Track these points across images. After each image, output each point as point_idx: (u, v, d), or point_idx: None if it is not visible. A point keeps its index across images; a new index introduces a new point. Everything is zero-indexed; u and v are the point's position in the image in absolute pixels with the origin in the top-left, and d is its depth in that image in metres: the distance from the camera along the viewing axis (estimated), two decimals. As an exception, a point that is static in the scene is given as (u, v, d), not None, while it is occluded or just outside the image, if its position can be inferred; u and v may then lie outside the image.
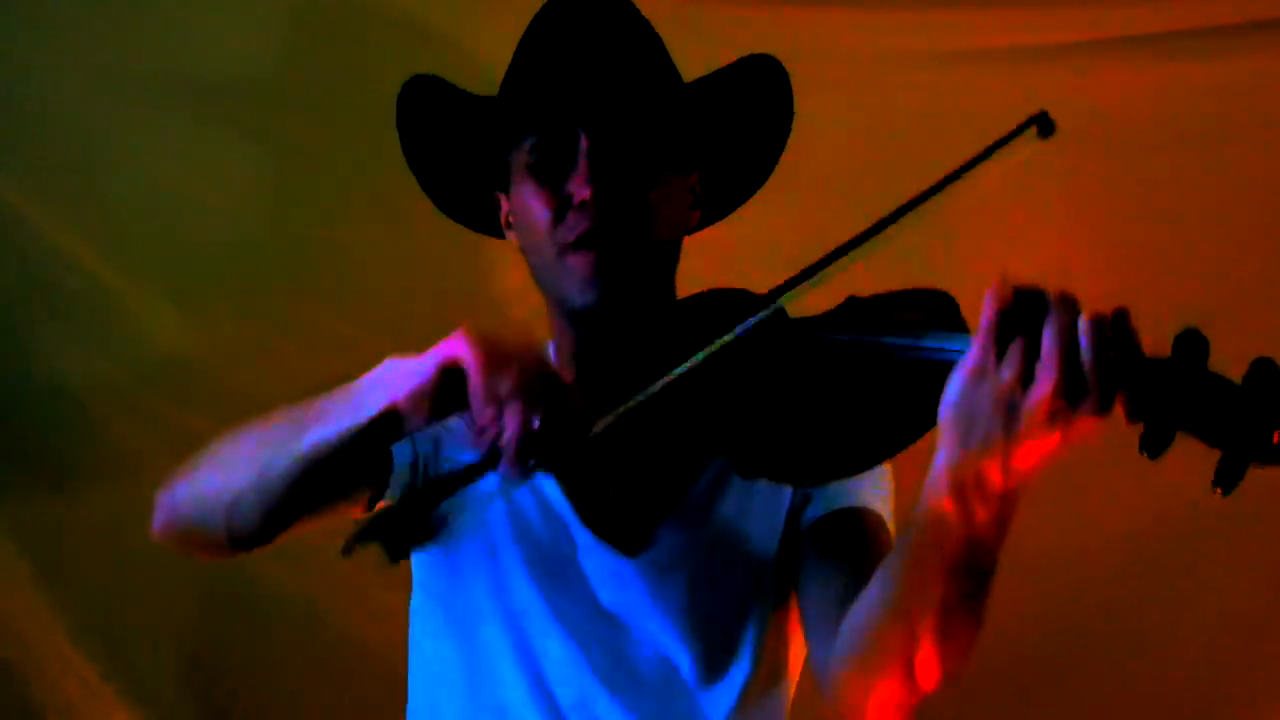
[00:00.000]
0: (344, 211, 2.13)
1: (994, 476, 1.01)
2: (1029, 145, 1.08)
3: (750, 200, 1.58)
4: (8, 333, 2.07)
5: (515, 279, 1.66)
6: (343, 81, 2.08)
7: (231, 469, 1.30)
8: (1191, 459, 2.16)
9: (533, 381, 1.14)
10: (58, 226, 2.05)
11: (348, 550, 1.15)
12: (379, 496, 1.44)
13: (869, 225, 1.10)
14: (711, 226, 1.56)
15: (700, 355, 1.13)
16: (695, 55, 1.53)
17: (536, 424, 1.13)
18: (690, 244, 1.47)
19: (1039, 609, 2.08)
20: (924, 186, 1.10)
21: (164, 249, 2.10)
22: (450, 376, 1.14)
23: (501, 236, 1.55)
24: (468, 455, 1.18)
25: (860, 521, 1.41)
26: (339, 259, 2.13)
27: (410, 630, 1.54)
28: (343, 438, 1.20)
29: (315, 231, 2.13)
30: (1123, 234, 2.07)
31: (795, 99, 1.52)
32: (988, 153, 1.07)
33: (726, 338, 1.13)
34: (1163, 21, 2.05)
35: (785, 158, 1.57)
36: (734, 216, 1.59)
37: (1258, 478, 1.94)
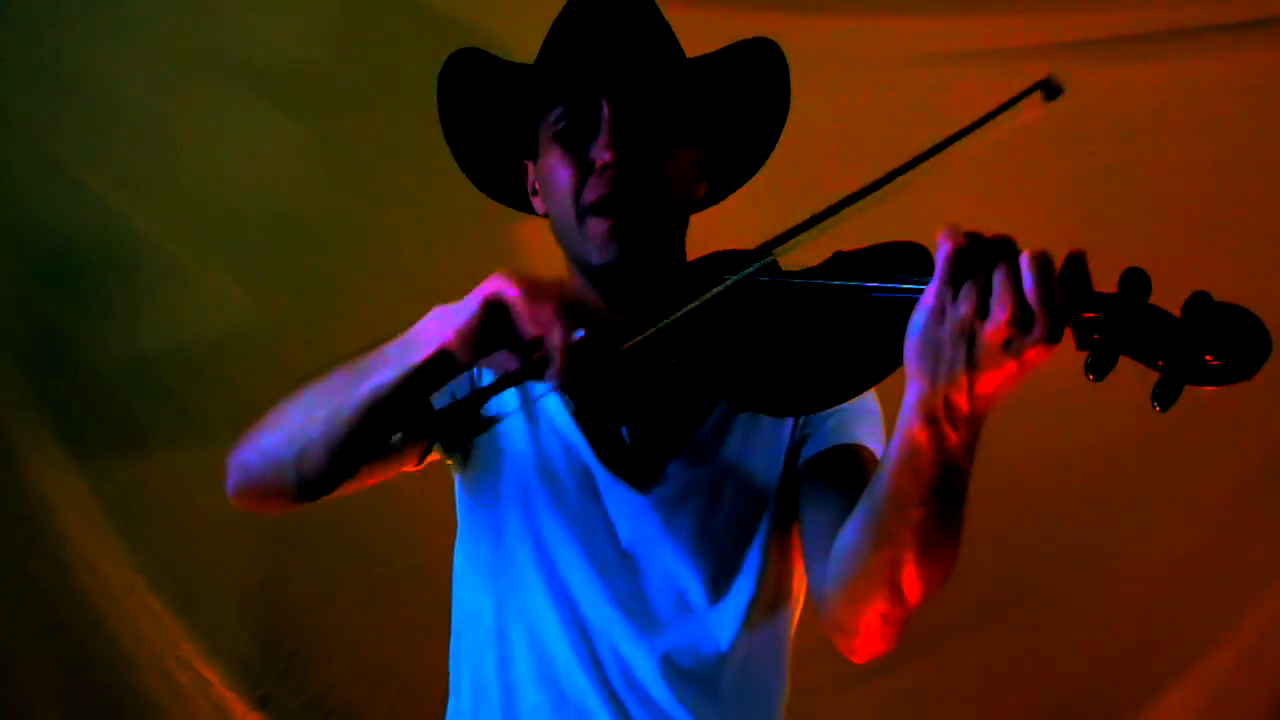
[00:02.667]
0: (389, 194, 2.18)
1: (960, 403, 1.07)
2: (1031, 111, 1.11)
3: (751, 199, 1.63)
4: (89, 306, 2.15)
5: (537, 253, 1.75)
6: (391, 75, 2.12)
7: (298, 423, 1.33)
8: (1146, 411, 2.28)
9: (569, 305, 1.19)
10: (133, 208, 2.14)
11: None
12: (430, 449, 1.52)
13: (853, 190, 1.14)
14: (718, 223, 1.60)
15: (705, 296, 1.20)
16: (696, 53, 1.60)
17: (580, 335, 1.19)
18: (696, 239, 1.51)
19: (1008, 535, 2.15)
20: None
21: (227, 229, 2.17)
22: (493, 311, 1.20)
23: (526, 209, 1.61)
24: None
25: (853, 457, 1.44)
26: (384, 237, 2.18)
27: (454, 565, 1.60)
28: (400, 380, 1.24)
29: (363, 213, 2.19)
30: (1081, 206, 2.13)
31: (793, 99, 1.58)
32: (998, 111, 1.11)
33: (728, 281, 1.20)
34: (1123, 28, 2.11)
35: (784, 156, 1.63)
36: (737, 212, 1.64)
37: (1204, 416, 1.97)
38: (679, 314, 1.22)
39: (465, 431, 1.34)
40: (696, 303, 1.21)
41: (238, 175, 2.15)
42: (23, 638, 2.13)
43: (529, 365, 1.20)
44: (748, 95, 1.57)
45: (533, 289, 1.19)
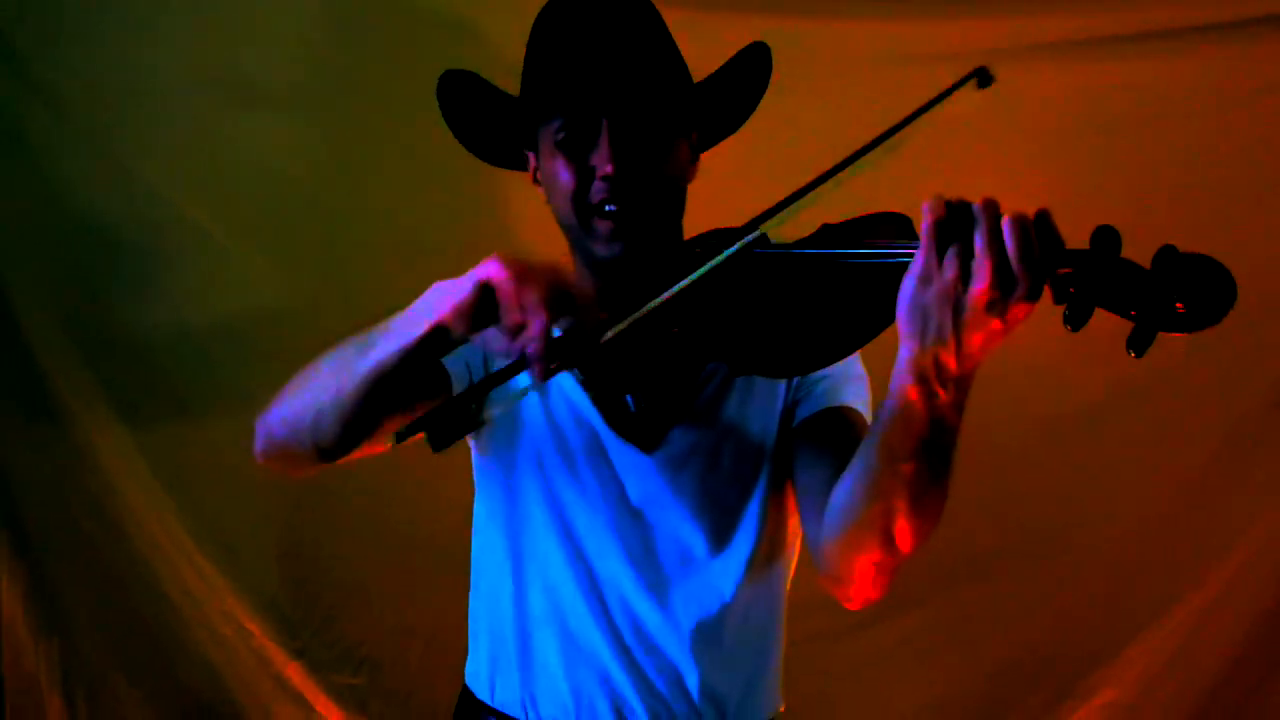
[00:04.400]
0: (409, 182, 2.22)
1: (949, 363, 1.09)
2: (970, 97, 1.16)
3: (746, 191, 1.56)
4: (136, 284, 2.21)
5: (541, 232, 1.74)
6: (410, 78, 2.04)
7: (312, 391, 1.34)
8: (1116, 385, 2.25)
9: (555, 294, 1.17)
10: (178, 196, 2.20)
11: (400, 439, 1.21)
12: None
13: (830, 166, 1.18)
14: (717, 208, 1.56)
15: (698, 272, 1.20)
16: (693, 57, 1.58)
17: (558, 331, 1.18)
18: (694, 222, 1.51)
19: (990, 499, 2.19)
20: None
21: (263, 215, 2.22)
22: (485, 292, 1.18)
23: (521, 167, 1.60)
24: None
25: (844, 418, 1.45)
26: (405, 222, 2.22)
27: (474, 526, 1.62)
28: (402, 352, 1.24)
29: (386, 200, 2.23)
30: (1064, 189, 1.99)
31: (786, 97, 1.59)
32: (938, 100, 1.15)
33: (721, 256, 1.21)
34: (1097, 30, 2.17)
35: (778, 150, 1.70)
36: (732, 202, 1.58)
37: (1169, 390, 2.13)
38: (663, 298, 1.22)
39: (456, 431, 1.25)
40: (679, 287, 1.21)
41: (272, 167, 2.20)
42: (83, 594, 2.21)
43: (512, 364, 1.20)
44: (734, 84, 1.59)
45: (522, 275, 1.18)
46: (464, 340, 1.24)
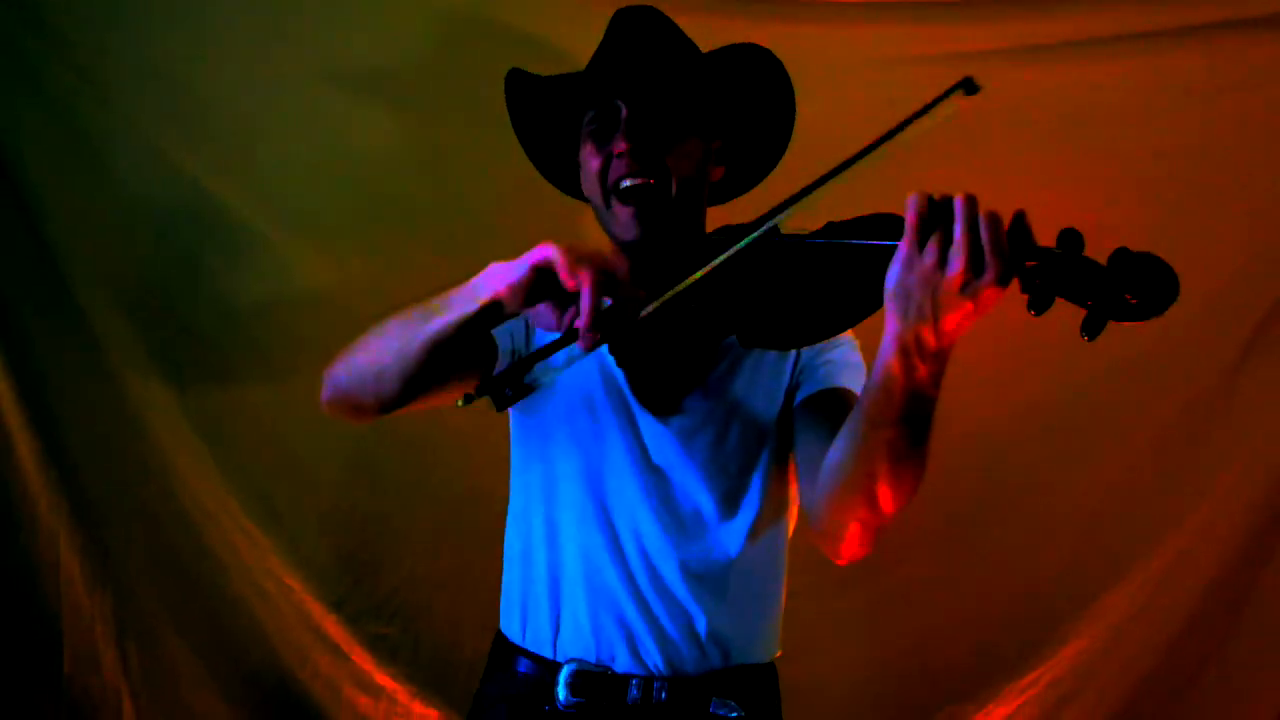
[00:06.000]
0: (445, 173, 2.27)
1: (928, 339, 1.15)
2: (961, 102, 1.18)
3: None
4: (187, 267, 2.26)
5: (585, 229, 1.82)
6: (452, 74, 2.20)
7: (378, 350, 1.42)
8: (1081, 367, 2.31)
9: (603, 273, 1.26)
10: (224, 186, 2.24)
11: (467, 401, 1.31)
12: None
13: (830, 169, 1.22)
14: (717, 207, 1.69)
15: (723, 256, 1.27)
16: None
17: (607, 303, 1.27)
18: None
19: (967, 467, 2.27)
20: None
21: (304, 202, 2.25)
22: (540, 273, 1.28)
23: (580, 196, 1.69)
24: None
25: (839, 398, 1.53)
26: (439, 211, 2.27)
27: (511, 483, 1.70)
28: (460, 320, 1.33)
29: (422, 190, 2.27)
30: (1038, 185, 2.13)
31: (802, 96, 1.68)
32: (925, 109, 1.19)
33: (744, 242, 1.27)
34: (1073, 34, 2.24)
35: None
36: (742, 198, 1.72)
37: (1130, 372, 2.22)
38: (690, 280, 1.28)
39: (515, 394, 1.35)
40: (706, 269, 1.27)
41: (315, 159, 2.24)
42: (136, 554, 2.25)
43: (562, 336, 1.28)
44: (755, 94, 1.67)
45: (573, 257, 1.26)
46: (515, 315, 1.32)
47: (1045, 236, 1.13)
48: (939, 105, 1.17)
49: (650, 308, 1.28)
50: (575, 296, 1.26)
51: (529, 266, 1.28)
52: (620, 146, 1.54)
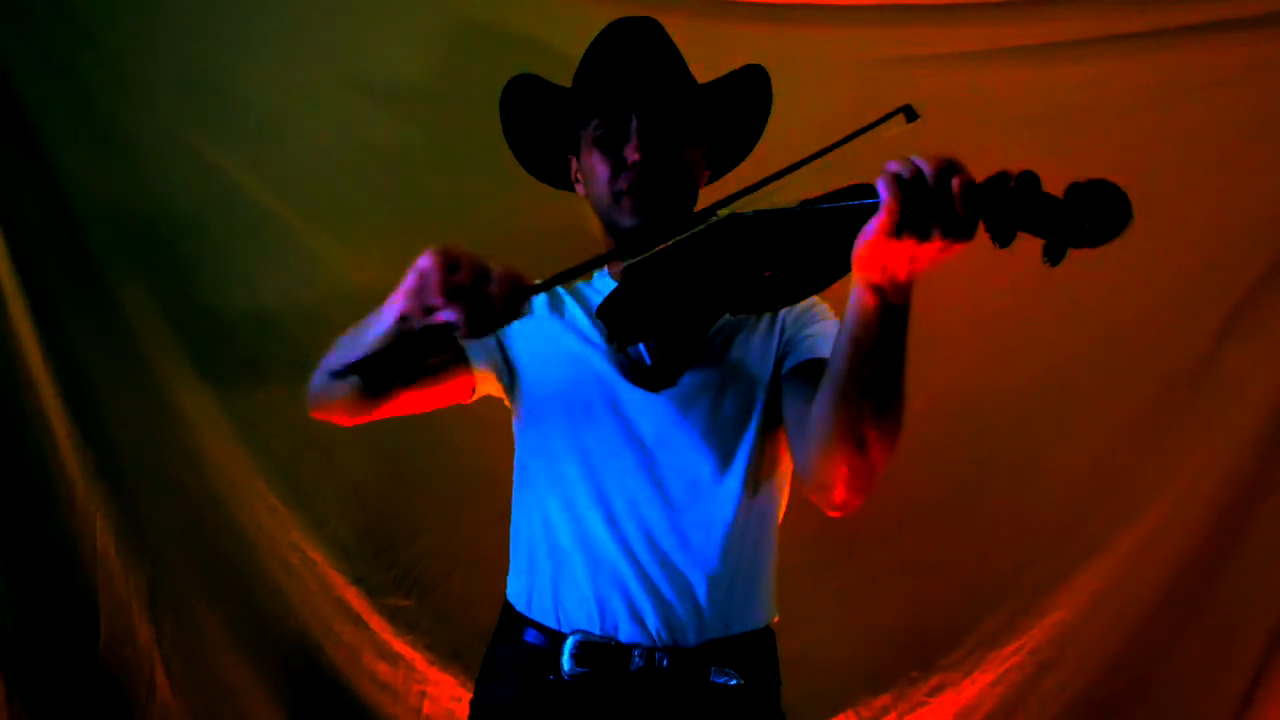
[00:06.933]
0: (459, 170, 2.31)
1: (900, 278, 1.23)
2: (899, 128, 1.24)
3: (750, 174, 1.62)
4: (217, 259, 2.31)
5: (586, 222, 1.84)
6: (468, 78, 2.24)
7: (332, 365, 1.49)
8: (1065, 344, 2.31)
9: (476, 271, 1.28)
10: (254, 182, 2.28)
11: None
12: (474, 389, 1.70)
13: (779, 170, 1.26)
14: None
15: (685, 234, 1.31)
16: (700, 59, 1.79)
17: (453, 316, 1.27)
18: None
19: (954, 443, 2.33)
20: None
21: (327, 197, 2.30)
22: (422, 278, 1.30)
23: (567, 188, 1.76)
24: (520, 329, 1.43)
25: (823, 367, 1.50)
26: (460, 211, 2.31)
27: (515, 466, 1.75)
28: (383, 338, 1.36)
29: (437, 186, 2.31)
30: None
31: (781, 95, 1.76)
32: (861, 132, 1.24)
33: (702, 225, 1.32)
34: (1052, 35, 2.29)
35: (773, 142, 1.81)
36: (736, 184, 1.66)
37: (1113, 349, 2.31)
38: (659, 247, 1.31)
39: (403, 367, 1.40)
40: (675, 239, 1.31)
41: (341, 157, 2.29)
42: (170, 530, 2.31)
43: (446, 324, 1.28)
44: (741, 107, 1.76)
45: (449, 261, 1.28)
46: (430, 322, 1.29)
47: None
48: (879, 126, 1.24)
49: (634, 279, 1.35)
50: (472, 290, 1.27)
51: (412, 275, 1.31)
52: (633, 156, 1.60)
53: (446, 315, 1.25)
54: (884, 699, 2.42)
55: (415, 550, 2.38)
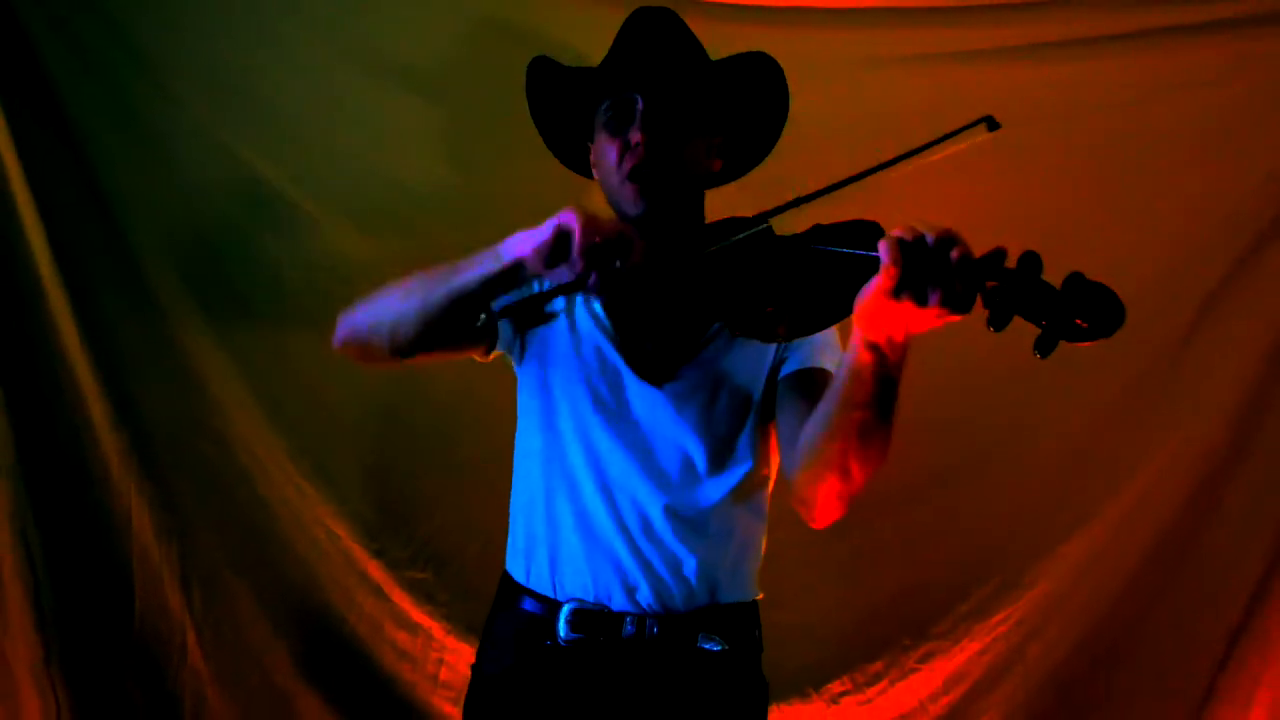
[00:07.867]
0: (471, 160, 2.36)
1: (897, 340, 1.23)
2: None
3: (744, 182, 1.80)
4: (242, 246, 2.38)
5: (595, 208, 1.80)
6: (486, 73, 2.28)
7: (401, 298, 1.48)
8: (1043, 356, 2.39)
9: (616, 237, 1.32)
10: (279, 175, 2.35)
11: (490, 319, 1.38)
12: (493, 347, 1.70)
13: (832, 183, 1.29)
14: (725, 193, 1.76)
15: (716, 247, 1.35)
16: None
17: (617, 264, 1.33)
18: (713, 210, 1.62)
19: (943, 425, 2.36)
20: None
21: (352, 192, 2.36)
22: (561, 236, 1.32)
23: (586, 173, 1.77)
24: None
25: (817, 377, 1.58)
26: (465, 195, 2.36)
27: (515, 443, 1.76)
28: (484, 277, 1.39)
29: (451, 175, 2.36)
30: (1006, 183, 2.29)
31: (791, 94, 1.74)
32: (942, 140, 1.23)
33: (735, 238, 1.34)
34: (1036, 38, 2.33)
35: (778, 144, 1.79)
36: (731, 191, 1.79)
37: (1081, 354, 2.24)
38: (695, 259, 1.35)
39: (527, 318, 1.39)
40: (708, 251, 1.33)
41: (361, 152, 2.35)
42: (200, 504, 2.38)
43: (578, 280, 1.32)
44: (756, 97, 1.73)
45: (592, 222, 1.32)
46: (536, 277, 1.38)
47: (996, 233, 1.14)
48: (959, 136, 1.23)
49: (654, 272, 1.36)
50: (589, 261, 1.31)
51: (552, 229, 1.33)
52: (636, 137, 1.59)
53: (568, 274, 1.28)
54: (877, 665, 2.47)
55: (432, 526, 2.44)
